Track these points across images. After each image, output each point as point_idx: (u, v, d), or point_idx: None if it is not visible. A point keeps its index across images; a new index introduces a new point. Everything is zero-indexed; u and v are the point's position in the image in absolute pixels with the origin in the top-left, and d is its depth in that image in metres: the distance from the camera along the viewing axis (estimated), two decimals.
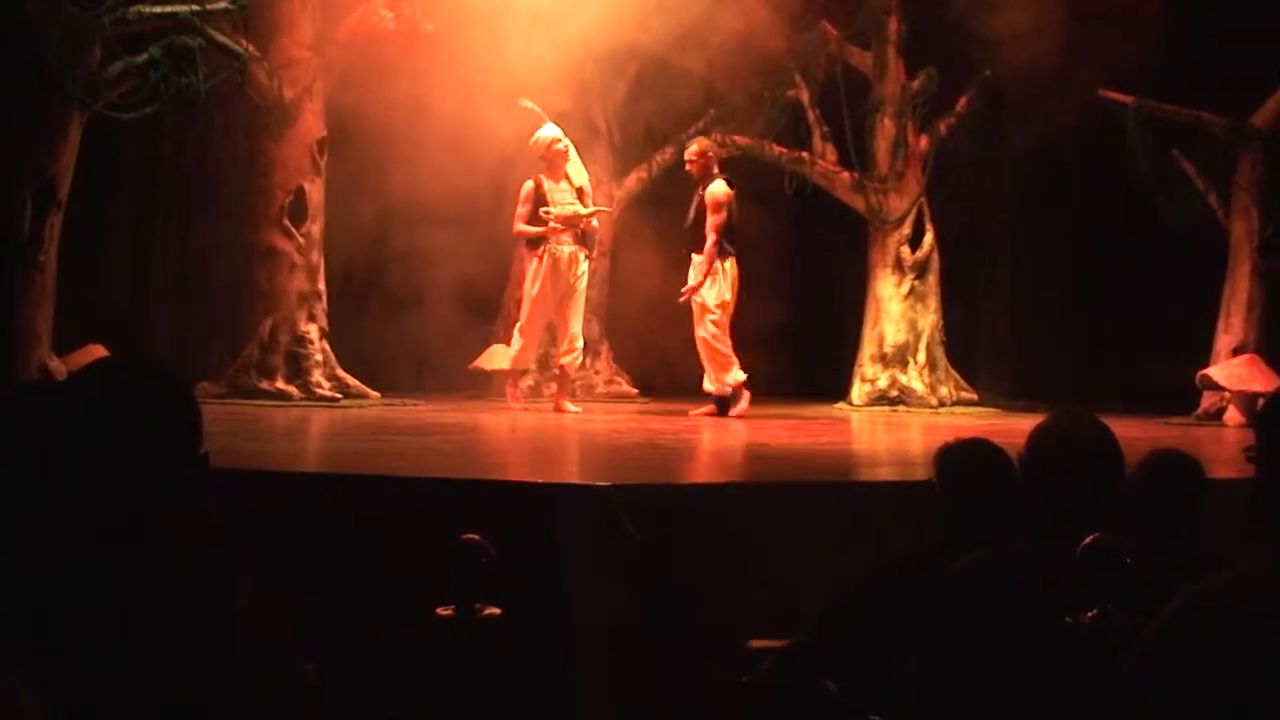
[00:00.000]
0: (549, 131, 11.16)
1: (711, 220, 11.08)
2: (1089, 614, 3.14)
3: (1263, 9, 12.63)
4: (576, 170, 11.23)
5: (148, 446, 2.65)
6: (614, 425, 10.54)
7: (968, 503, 4.22)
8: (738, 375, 11.24)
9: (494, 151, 12.57)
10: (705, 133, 13.67)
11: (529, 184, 11.14)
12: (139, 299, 13.30)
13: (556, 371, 11.61)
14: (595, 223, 11.44)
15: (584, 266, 11.20)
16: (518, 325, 11.45)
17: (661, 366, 15.21)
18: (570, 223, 10.98)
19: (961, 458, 4.33)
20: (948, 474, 4.31)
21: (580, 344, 11.40)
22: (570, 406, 11.25)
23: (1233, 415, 11.81)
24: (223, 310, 12.20)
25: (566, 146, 11.15)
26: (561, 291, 11.04)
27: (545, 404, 11.84)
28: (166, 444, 2.69)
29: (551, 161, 11.08)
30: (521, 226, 11.10)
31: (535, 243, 11.07)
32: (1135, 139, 12.84)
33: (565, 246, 11.03)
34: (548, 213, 10.91)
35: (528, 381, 13.25)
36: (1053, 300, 14.61)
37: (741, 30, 12.51)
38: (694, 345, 11.57)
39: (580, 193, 11.21)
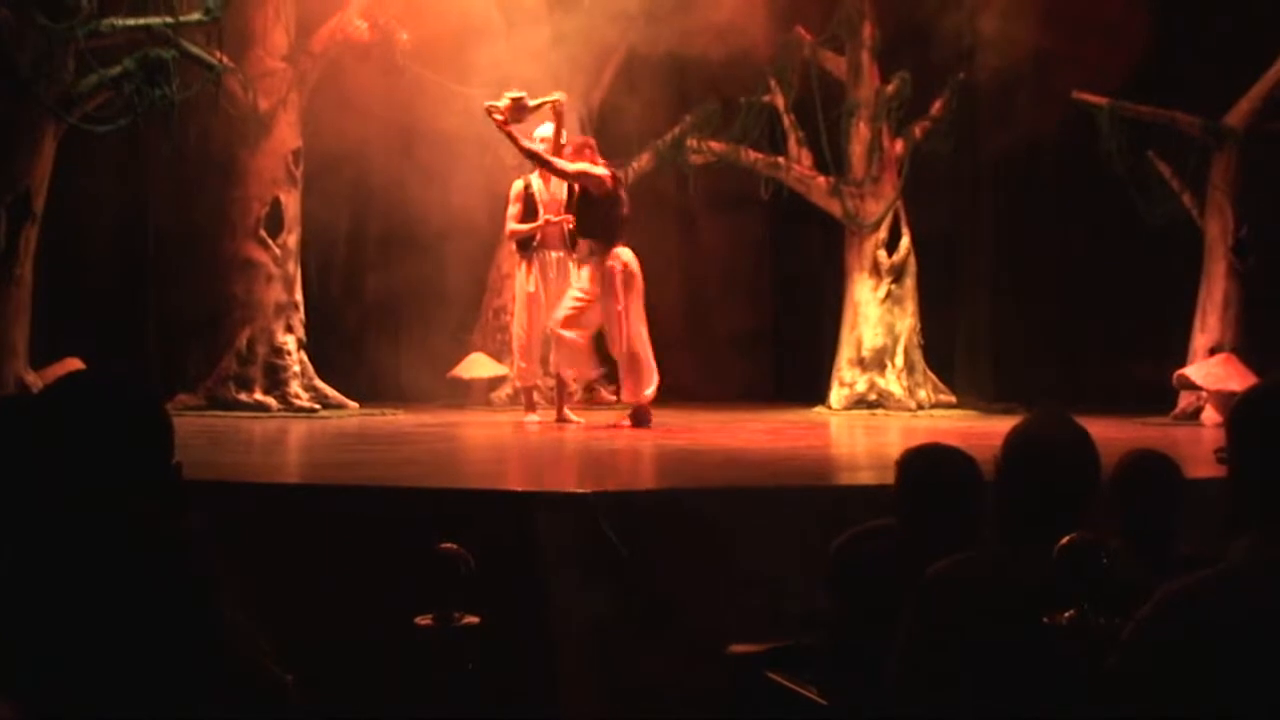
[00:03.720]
0: (538, 131, 11.12)
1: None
2: (1066, 614, 3.14)
3: (1235, 9, 12.69)
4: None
5: (118, 457, 2.65)
6: (594, 432, 10.53)
7: (927, 507, 4.23)
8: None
9: (470, 156, 12.60)
10: (682, 138, 13.69)
11: (519, 183, 11.10)
12: (118, 312, 13.26)
13: (554, 382, 11.48)
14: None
15: (575, 274, 11.15)
16: (516, 343, 11.28)
17: None
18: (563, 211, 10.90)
19: (921, 463, 4.34)
20: (907, 480, 4.32)
21: None
22: (572, 416, 11.17)
23: (1210, 415, 11.84)
24: (200, 322, 12.16)
25: (548, 149, 11.03)
26: (554, 299, 10.97)
27: (517, 411, 11.77)
28: (137, 455, 2.68)
29: None
30: (514, 226, 11.04)
31: (525, 247, 11.00)
32: (1110, 140, 12.89)
33: (554, 252, 10.99)
34: (544, 218, 10.86)
35: (506, 390, 13.24)
36: (1030, 302, 14.65)
37: (717, 36, 12.52)
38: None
39: (572, 192, 11.12)
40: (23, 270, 10.36)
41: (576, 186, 10.64)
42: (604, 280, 10.42)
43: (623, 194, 10.61)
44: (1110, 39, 11.99)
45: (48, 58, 10.02)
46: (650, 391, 10.65)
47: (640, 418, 10.66)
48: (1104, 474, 3.65)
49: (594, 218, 10.50)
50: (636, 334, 10.52)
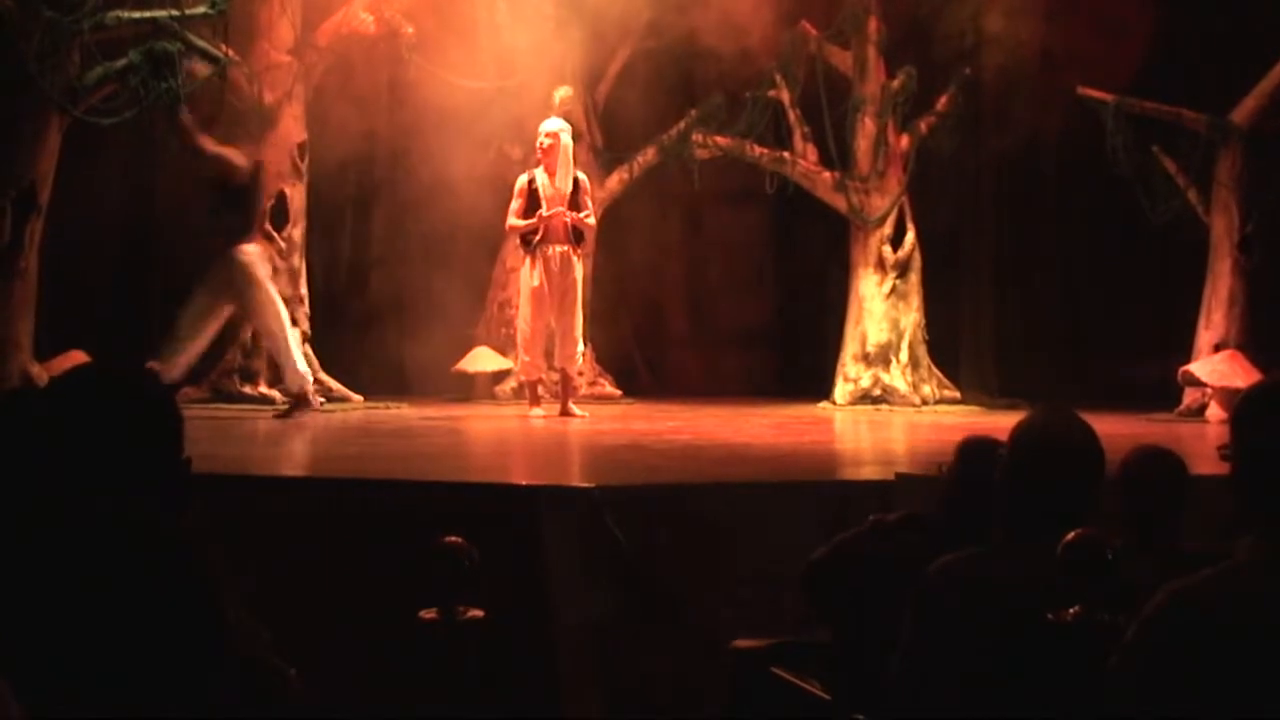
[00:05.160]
0: (544, 125, 11.13)
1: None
2: (1071, 611, 3.14)
3: (1241, 6, 12.67)
4: (565, 168, 11.07)
5: (127, 452, 2.65)
6: (598, 427, 10.54)
7: (979, 497, 4.21)
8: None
9: (475, 150, 12.59)
10: (687, 133, 13.68)
11: (522, 178, 11.11)
12: (122, 304, 13.27)
13: (558, 376, 11.50)
14: (591, 220, 11.35)
15: (579, 268, 11.15)
16: (520, 337, 11.31)
17: (644, 367, 15.22)
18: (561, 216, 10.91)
19: (984, 453, 4.31)
20: (966, 466, 4.30)
21: (581, 347, 11.34)
22: (576, 411, 11.17)
23: (1215, 411, 11.83)
24: None
25: (554, 143, 11.02)
26: (558, 294, 10.98)
27: (521, 405, 11.77)
28: (146, 449, 2.68)
29: (545, 156, 11.03)
30: (513, 221, 11.05)
31: (527, 242, 11.00)
32: (1115, 136, 12.87)
33: (557, 247, 10.98)
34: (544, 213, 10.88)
35: (510, 384, 13.23)
36: (1035, 298, 14.64)
37: (722, 30, 12.51)
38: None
39: (577, 187, 11.10)
40: (27, 263, 10.35)
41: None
42: (235, 274, 10.44)
43: (263, 185, 10.58)
44: (1116, 35, 11.97)
45: (53, 50, 10.00)
46: (298, 388, 10.69)
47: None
48: (1109, 470, 3.65)
49: (230, 206, 10.47)
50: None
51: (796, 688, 4.57)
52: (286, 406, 10.80)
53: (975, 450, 4.35)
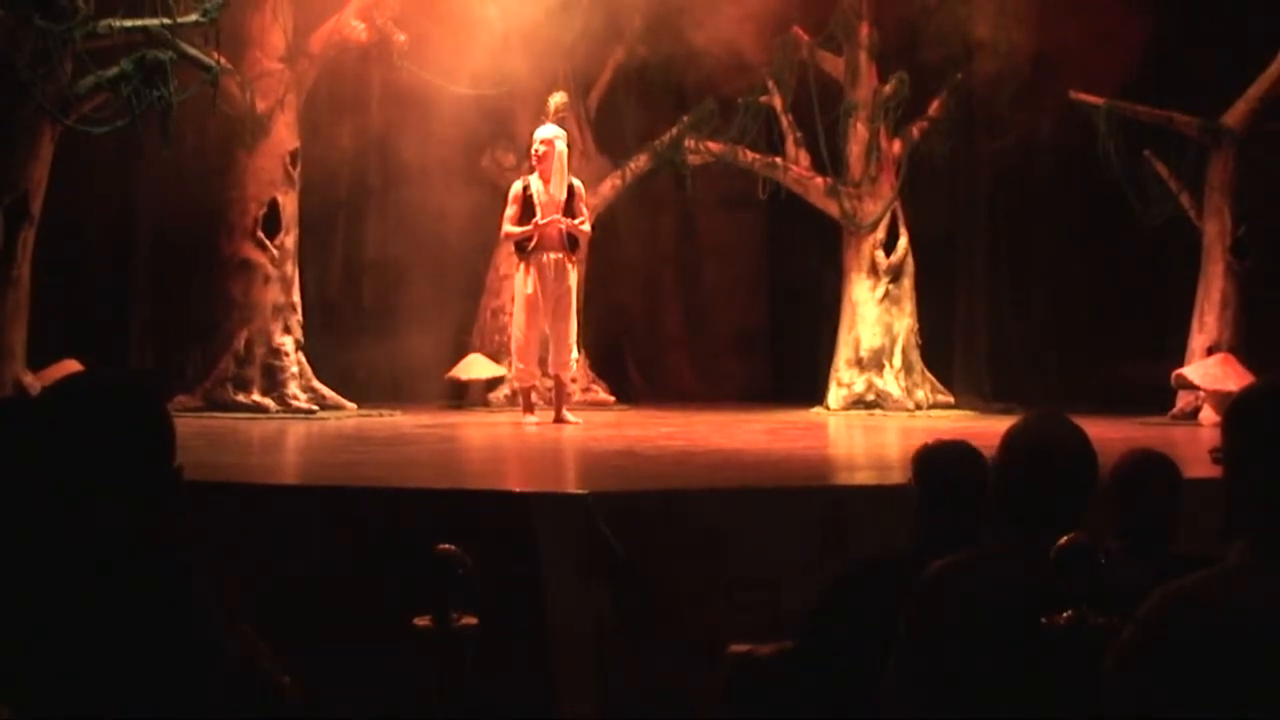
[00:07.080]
0: (538, 132, 11.12)
1: None
2: (1064, 615, 3.14)
3: (1233, 10, 12.70)
4: (560, 175, 11.04)
5: (120, 461, 2.65)
6: (591, 433, 10.53)
7: (945, 504, 4.23)
8: None
9: (468, 157, 12.59)
10: (679, 139, 13.68)
11: (517, 185, 11.09)
12: (116, 313, 13.26)
13: (552, 383, 11.49)
14: (587, 227, 11.31)
15: (574, 275, 11.14)
16: (514, 345, 11.28)
17: (638, 373, 15.23)
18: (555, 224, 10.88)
19: (940, 459, 4.34)
20: (926, 475, 4.32)
21: (576, 354, 11.31)
22: (571, 417, 11.16)
23: (1208, 415, 11.84)
24: (198, 323, 12.15)
25: (549, 150, 10.99)
26: (552, 301, 10.96)
27: (515, 412, 11.76)
28: (139, 458, 2.68)
29: (540, 163, 11.01)
30: (509, 228, 11.03)
31: (522, 249, 10.98)
32: (1107, 140, 12.89)
33: (552, 253, 10.96)
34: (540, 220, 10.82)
35: (504, 391, 13.23)
36: (1028, 302, 14.66)
37: (714, 36, 12.52)
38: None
39: (572, 193, 11.07)
40: (20, 272, 10.35)
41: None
42: None
43: None
44: (1107, 40, 11.99)
45: (45, 59, 9.99)
46: None
47: None
48: (1102, 474, 3.65)
49: None
50: None
51: (792, 693, 4.57)
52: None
53: (933, 458, 4.35)
